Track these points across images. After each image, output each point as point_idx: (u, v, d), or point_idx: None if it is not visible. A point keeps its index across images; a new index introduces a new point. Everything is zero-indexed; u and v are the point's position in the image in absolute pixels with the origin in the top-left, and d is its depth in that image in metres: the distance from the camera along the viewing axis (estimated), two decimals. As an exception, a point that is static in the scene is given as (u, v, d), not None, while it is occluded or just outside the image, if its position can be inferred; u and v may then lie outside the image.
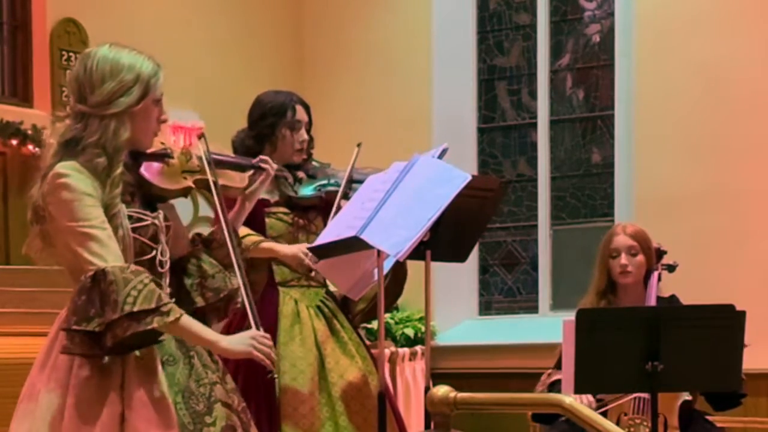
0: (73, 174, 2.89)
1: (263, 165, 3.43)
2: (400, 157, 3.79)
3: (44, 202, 2.92)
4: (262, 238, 4.02)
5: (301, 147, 4.16)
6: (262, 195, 4.07)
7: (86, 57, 3.01)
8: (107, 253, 2.86)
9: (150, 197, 3.09)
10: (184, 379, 3.02)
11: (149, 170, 3.09)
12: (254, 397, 3.89)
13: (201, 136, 3.23)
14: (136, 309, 2.80)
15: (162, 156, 3.15)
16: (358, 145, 4.12)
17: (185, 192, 3.21)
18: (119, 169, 2.95)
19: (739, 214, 6.40)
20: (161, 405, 2.93)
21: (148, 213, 3.04)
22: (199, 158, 3.22)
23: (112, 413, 2.88)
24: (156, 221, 3.06)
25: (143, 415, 2.89)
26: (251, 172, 3.43)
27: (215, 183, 3.22)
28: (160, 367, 2.97)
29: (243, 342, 3.04)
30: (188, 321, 2.93)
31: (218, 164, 3.28)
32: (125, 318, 2.80)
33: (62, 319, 3.00)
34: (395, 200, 3.55)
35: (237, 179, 3.38)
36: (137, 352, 2.92)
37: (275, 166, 3.51)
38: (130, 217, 2.99)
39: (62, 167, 2.90)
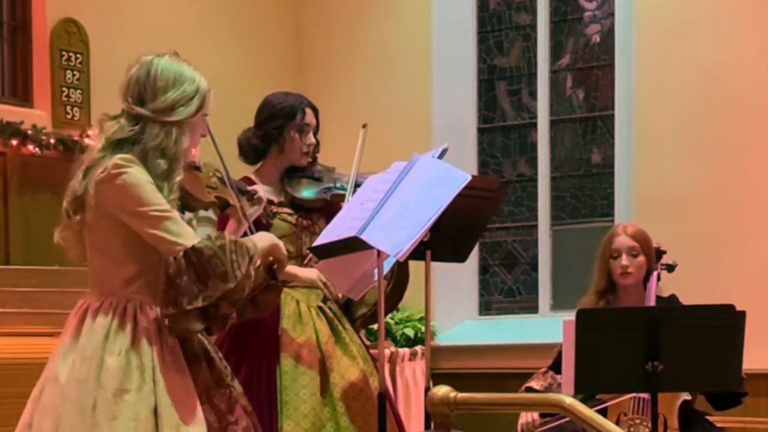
0: (133, 165, 2.99)
1: (257, 197, 3.57)
2: (400, 157, 3.78)
3: (96, 189, 2.98)
4: None
5: (308, 150, 4.17)
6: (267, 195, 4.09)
7: (148, 63, 3.10)
8: (187, 232, 2.99)
9: (183, 206, 3.18)
10: (207, 379, 3.08)
11: (185, 180, 3.18)
12: (256, 396, 3.89)
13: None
14: (244, 270, 2.95)
15: (193, 168, 3.26)
16: (364, 126, 4.13)
17: (211, 205, 3.36)
18: (180, 176, 3.07)
19: (739, 214, 6.40)
20: (191, 402, 2.99)
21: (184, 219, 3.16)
22: (220, 179, 3.36)
23: (147, 409, 2.94)
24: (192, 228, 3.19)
25: (175, 412, 2.95)
26: (246, 197, 3.55)
27: (242, 208, 3.40)
28: (186, 366, 3.04)
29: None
30: (262, 253, 3.08)
31: (225, 184, 3.39)
32: (241, 281, 2.94)
33: (82, 313, 3.04)
34: (395, 200, 3.55)
35: (237, 201, 3.49)
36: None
37: (265, 199, 3.63)
38: None
39: (121, 159, 2.99)
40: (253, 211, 3.61)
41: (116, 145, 3.04)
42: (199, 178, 3.33)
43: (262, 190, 3.84)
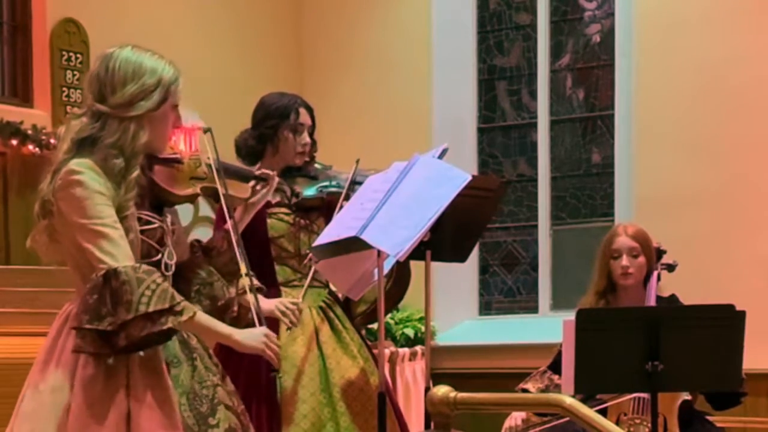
0: (87, 172, 2.90)
1: (267, 176, 3.47)
2: (400, 157, 3.78)
3: (55, 198, 2.92)
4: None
5: (303, 150, 4.17)
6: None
7: (108, 57, 3.02)
8: (119, 253, 2.87)
9: (158, 201, 3.10)
10: (188, 381, 3.03)
11: (159, 174, 3.11)
12: (255, 396, 3.89)
13: (207, 131, 3.25)
14: (150, 309, 2.81)
15: (172, 161, 3.17)
16: (357, 162, 4.13)
17: (192, 198, 3.24)
18: (136, 172, 2.96)
19: (739, 214, 6.40)
20: (166, 406, 2.93)
21: (156, 216, 3.07)
22: (209, 166, 3.25)
23: (118, 413, 2.89)
24: (163, 225, 3.09)
25: (149, 415, 2.90)
26: (253, 182, 3.47)
27: (225, 194, 3.26)
28: (165, 368, 2.98)
29: (256, 338, 3.11)
30: (201, 317, 2.97)
31: (224, 172, 3.31)
32: (140, 318, 2.81)
33: (65, 317, 3.01)
34: (395, 200, 3.55)
35: (240, 189, 3.41)
36: (141, 353, 2.92)
37: (277, 177, 3.54)
38: (139, 219, 3.01)
39: (76, 164, 2.90)
40: (261, 196, 3.50)
41: (79, 144, 2.96)
42: (181, 170, 3.23)
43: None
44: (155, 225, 3.06)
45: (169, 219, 3.11)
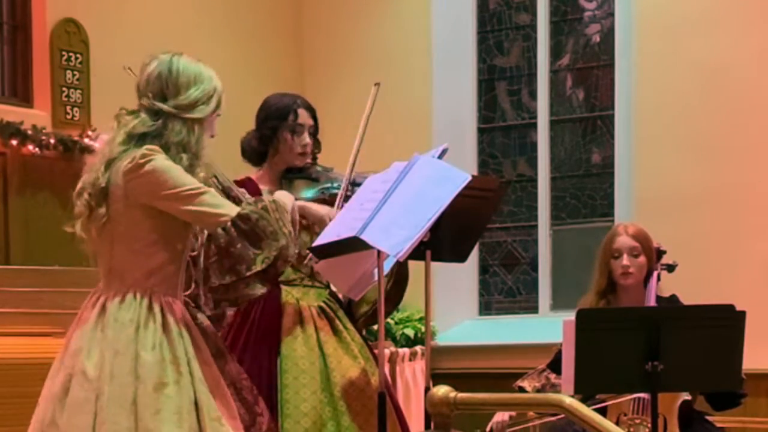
0: (160, 154, 3.04)
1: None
2: (400, 157, 3.78)
3: (125, 180, 3.02)
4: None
5: (304, 151, 4.15)
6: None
7: (168, 61, 3.16)
8: (225, 202, 3.07)
9: None
10: (235, 372, 3.17)
11: None
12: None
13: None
14: (290, 226, 3.08)
15: None
16: (377, 84, 4.12)
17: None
18: (202, 173, 3.13)
19: (739, 214, 6.41)
20: (224, 397, 3.05)
21: None
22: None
23: (188, 400, 2.97)
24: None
25: (215, 404, 3.01)
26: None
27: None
28: (212, 359, 3.09)
29: (324, 209, 3.76)
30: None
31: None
32: (289, 236, 3.07)
33: (100, 307, 3.06)
34: (395, 200, 3.54)
35: None
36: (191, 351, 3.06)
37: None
38: None
39: (148, 149, 3.04)
40: None
41: (138, 138, 3.07)
42: None
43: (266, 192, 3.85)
44: None
45: None
